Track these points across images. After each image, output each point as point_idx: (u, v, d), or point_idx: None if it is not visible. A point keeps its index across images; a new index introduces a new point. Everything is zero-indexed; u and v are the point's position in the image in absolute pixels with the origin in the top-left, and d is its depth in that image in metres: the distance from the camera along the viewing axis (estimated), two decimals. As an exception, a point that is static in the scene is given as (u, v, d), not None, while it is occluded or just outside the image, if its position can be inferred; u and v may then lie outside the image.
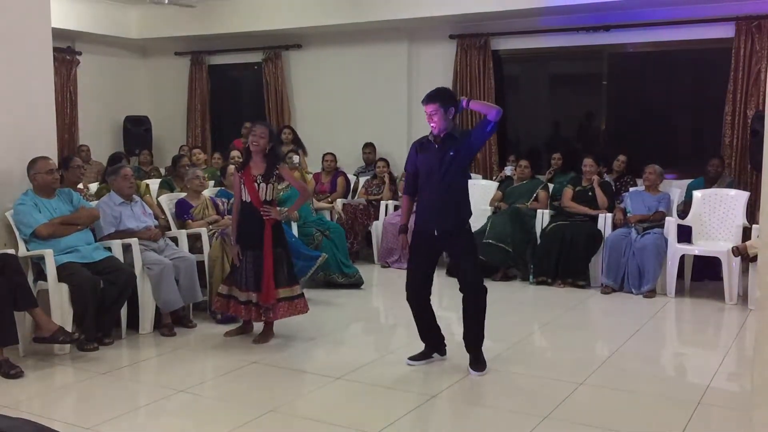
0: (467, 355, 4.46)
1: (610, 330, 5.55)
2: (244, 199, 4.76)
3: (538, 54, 8.72)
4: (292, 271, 4.92)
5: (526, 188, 7.30)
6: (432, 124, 4.20)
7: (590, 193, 6.87)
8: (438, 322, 4.47)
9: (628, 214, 6.63)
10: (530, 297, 6.43)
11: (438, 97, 4.19)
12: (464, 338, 4.33)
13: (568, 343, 5.02)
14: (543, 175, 7.85)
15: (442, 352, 4.49)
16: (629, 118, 8.46)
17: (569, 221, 6.77)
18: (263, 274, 4.66)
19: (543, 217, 6.97)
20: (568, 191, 6.99)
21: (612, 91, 8.36)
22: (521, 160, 7.54)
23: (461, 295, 4.32)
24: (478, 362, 4.26)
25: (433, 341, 4.46)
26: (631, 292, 6.32)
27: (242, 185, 4.76)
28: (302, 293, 4.92)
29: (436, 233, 4.25)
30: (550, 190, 7.38)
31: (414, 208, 4.46)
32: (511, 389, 4.09)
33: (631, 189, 7.12)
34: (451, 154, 4.17)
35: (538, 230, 6.91)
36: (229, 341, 4.85)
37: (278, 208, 4.92)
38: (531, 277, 6.74)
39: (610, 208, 6.80)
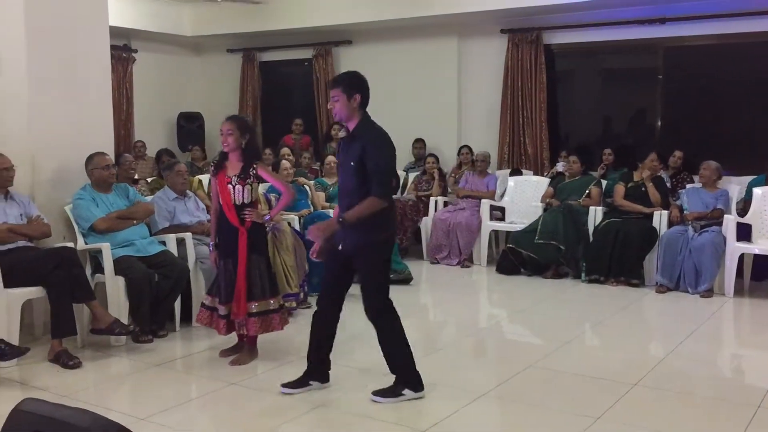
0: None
1: (664, 330, 5.42)
2: (220, 203, 4.29)
3: (591, 48, 8.57)
4: (272, 281, 4.41)
5: (578, 184, 7.18)
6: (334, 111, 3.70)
7: (643, 189, 6.72)
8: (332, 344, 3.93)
9: (685, 212, 6.46)
10: (582, 295, 6.33)
11: (341, 81, 3.68)
12: None
13: (621, 343, 4.92)
14: (596, 171, 7.71)
15: (325, 379, 3.95)
16: (686, 114, 8.24)
17: (623, 218, 6.62)
18: (235, 286, 4.21)
19: (596, 214, 6.84)
20: (620, 188, 6.84)
21: (668, 86, 8.15)
22: (571, 156, 7.42)
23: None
24: (386, 388, 3.76)
25: (317, 365, 3.90)
26: (687, 292, 6.16)
27: (217, 189, 4.29)
28: (280, 306, 4.40)
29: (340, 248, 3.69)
30: (604, 186, 7.24)
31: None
32: (562, 389, 4.02)
33: (688, 186, 6.94)
34: (352, 161, 3.60)
35: (591, 227, 6.78)
36: (277, 336, 4.70)
37: (259, 211, 4.42)
38: (583, 275, 6.63)
39: (665, 205, 6.63)
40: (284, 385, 3.85)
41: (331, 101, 3.68)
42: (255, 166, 4.30)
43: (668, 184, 7.09)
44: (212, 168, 4.37)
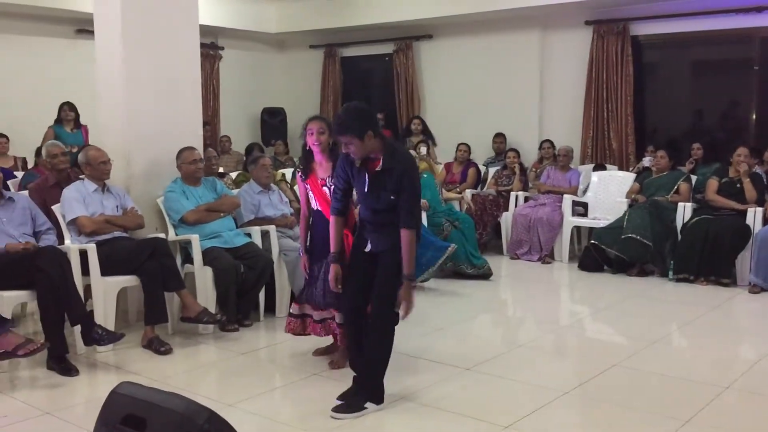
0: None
1: (758, 332, 5.19)
2: (313, 208, 4.13)
3: (681, 39, 8.28)
4: None
5: (666, 180, 6.94)
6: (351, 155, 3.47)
7: (738, 185, 6.44)
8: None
9: (781, 209, 6.17)
10: (669, 294, 6.13)
11: (347, 127, 3.36)
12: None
13: (711, 345, 4.75)
14: (683, 166, 7.46)
15: None
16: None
17: (714, 215, 6.37)
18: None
19: (684, 211, 6.61)
20: (713, 183, 6.58)
21: (764, 77, 7.79)
22: (658, 151, 7.20)
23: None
24: (346, 403, 3.57)
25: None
26: (783, 293, 5.90)
27: (308, 193, 4.14)
28: None
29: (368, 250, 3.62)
30: (693, 182, 6.99)
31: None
32: (648, 390, 3.91)
33: (784, 182, 6.62)
34: (392, 194, 3.44)
35: (679, 224, 6.56)
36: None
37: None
38: (670, 273, 6.41)
39: (760, 202, 6.34)
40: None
41: (344, 146, 3.43)
42: None
43: (763, 180, 6.78)
44: (300, 173, 4.20)
